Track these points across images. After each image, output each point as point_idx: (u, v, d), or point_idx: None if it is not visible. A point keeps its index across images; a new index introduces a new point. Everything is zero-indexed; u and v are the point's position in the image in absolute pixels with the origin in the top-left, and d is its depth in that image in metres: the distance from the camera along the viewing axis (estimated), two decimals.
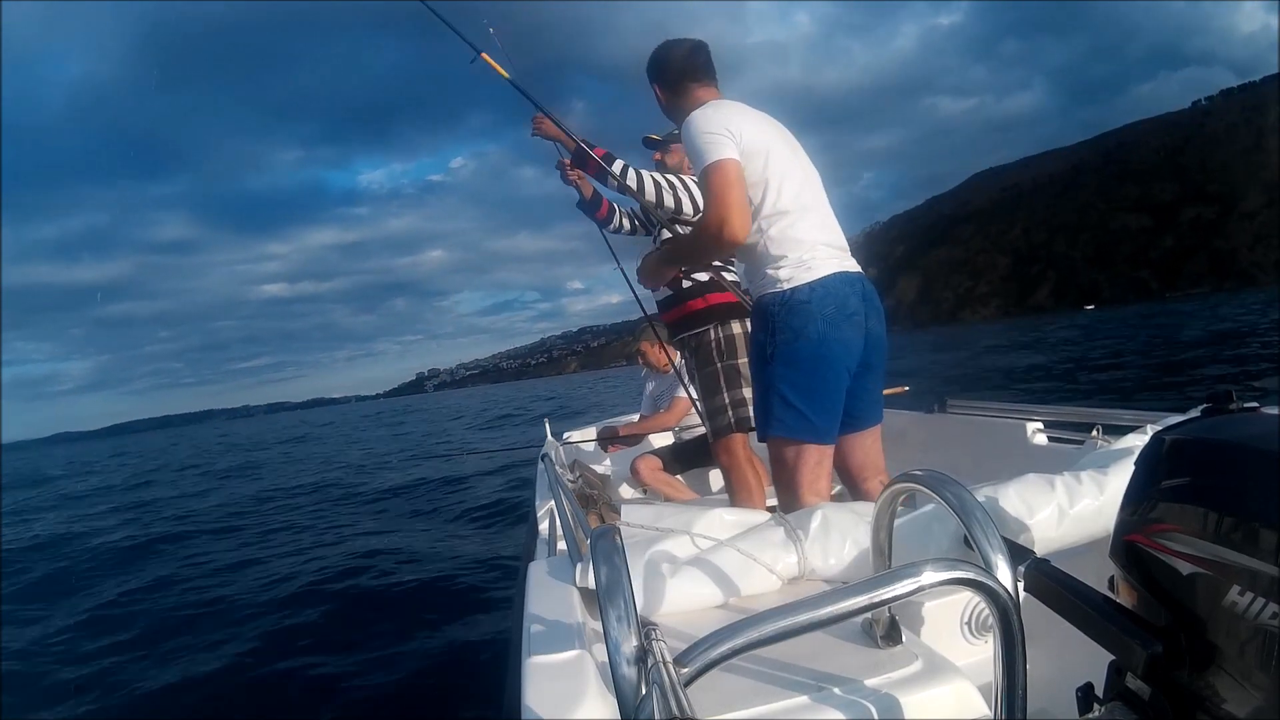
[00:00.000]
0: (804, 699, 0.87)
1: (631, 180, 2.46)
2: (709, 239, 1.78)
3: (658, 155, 2.76)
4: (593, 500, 2.95)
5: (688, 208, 2.53)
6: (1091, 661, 0.84)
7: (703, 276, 2.56)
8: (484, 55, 2.80)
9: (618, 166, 2.46)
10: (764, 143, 1.83)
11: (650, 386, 4.05)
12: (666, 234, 2.63)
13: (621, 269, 3.25)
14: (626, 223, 2.98)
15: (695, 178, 2.67)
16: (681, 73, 2.04)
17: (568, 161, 2.71)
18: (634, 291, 3.07)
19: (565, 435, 4.51)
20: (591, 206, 2.92)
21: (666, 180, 2.52)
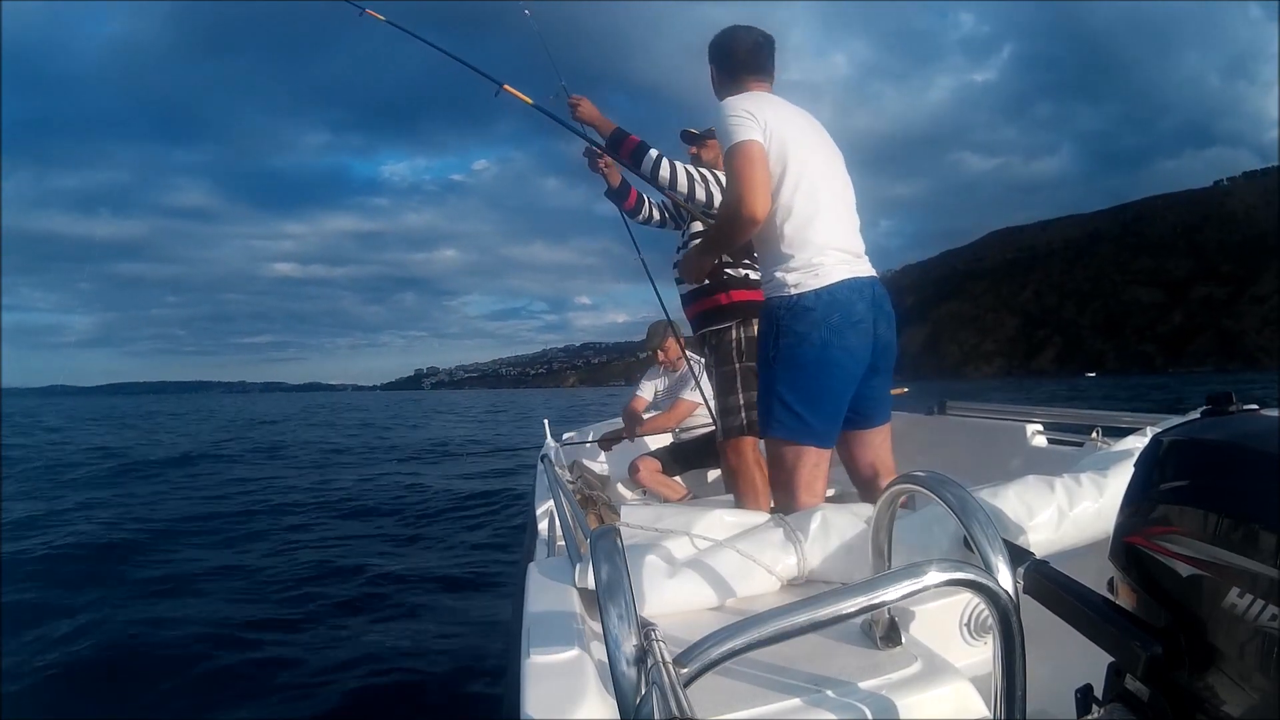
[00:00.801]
0: (803, 700, 0.87)
1: (665, 170, 2.46)
2: (729, 216, 1.80)
3: (693, 150, 2.74)
4: (592, 500, 2.95)
5: (718, 202, 2.53)
6: (1091, 663, 0.85)
7: (738, 271, 2.56)
8: (506, 87, 2.84)
9: (652, 156, 2.46)
10: (789, 136, 1.83)
11: (660, 383, 4.03)
12: (698, 226, 2.63)
13: (642, 259, 3.21)
14: (656, 214, 2.96)
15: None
16: (742, 64, 2.06)
17: (597, 149, 2.70)
18: (654, 287, 3.06)
19: (565, 436, 4.51)
20: (619, 195, 2.90)
21: (699, 173, 2.52)
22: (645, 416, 3.89)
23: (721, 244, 2.08)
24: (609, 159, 2.78)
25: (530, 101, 2.85)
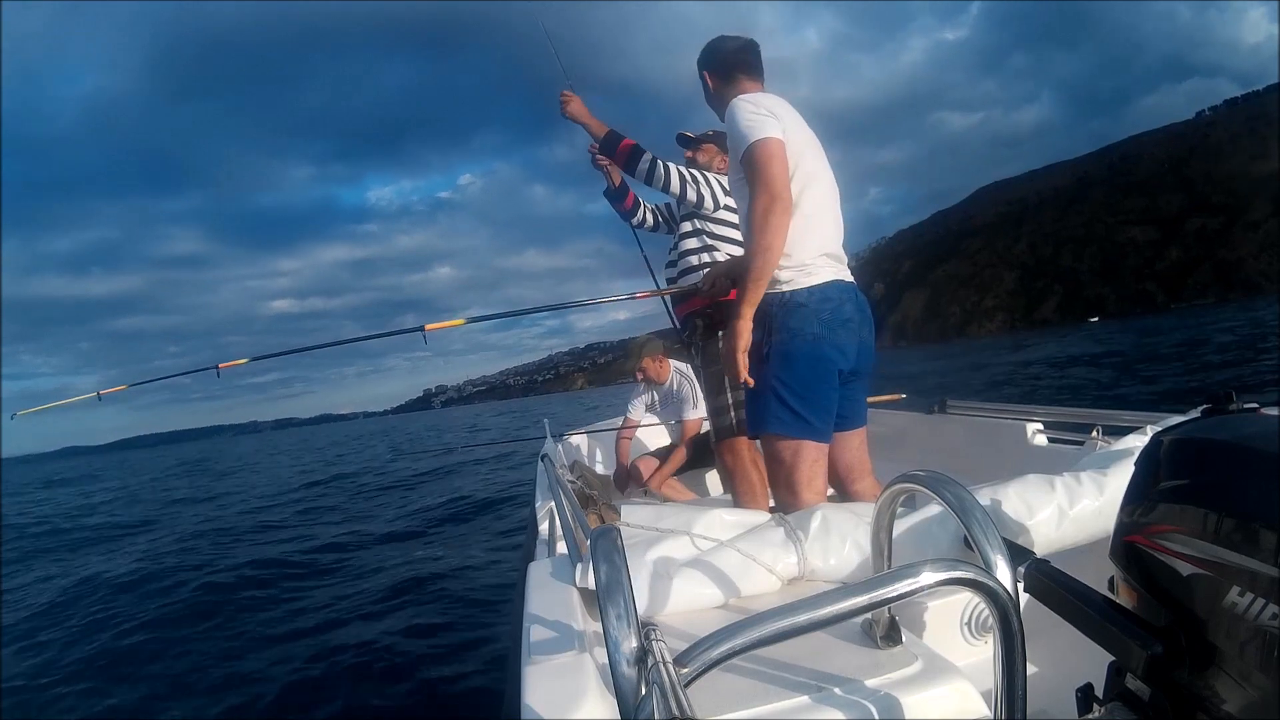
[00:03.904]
0: (804, 699, 0.87)
1: (659, 172, 2.50)
2: (762, 215, 1.73)
3: (689, 153, 2.77)
4: (593, 500, 2.94)
5: (709, 203, 2.56)
6: (1091, 662, 0.84)
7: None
8: (428, 327, 2.94)
9: (646, 159, 2.49)
10: (801, 142, 1.85)
11: (649, 396, 3.97)
12: (687, 226, 2.65)
13: (644, 255, 3.20)
14: (650, 218, 3.00)
15: (724, 174, 2.65)
16: (734, 64, 2.06)
17: (596, 147, 2.72)
18: (663, 289, 3.07)
19: (565, 435, 4.50)
20: (618, 196, 2.93)
21: (691, 174, 2.55)
22: (650, 450, 3.86)
23: (766, 252, 1.81)
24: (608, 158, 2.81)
25: (461, 322, 3.02)
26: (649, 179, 2.51)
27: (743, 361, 1.82)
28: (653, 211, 3.00)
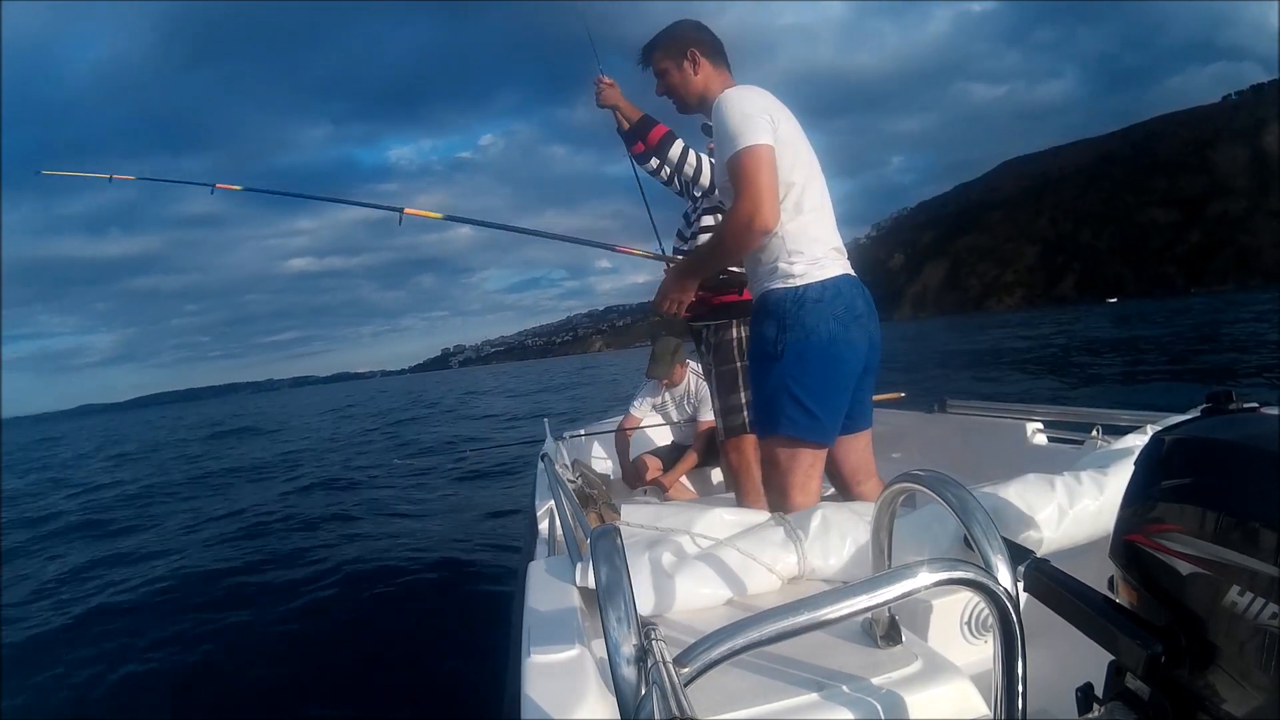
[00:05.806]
0: (804, 698, 0.87)
1: (691, 161, 2.54)
2: (740, 227, 1.67)
3: (711, 144, 2.75)
4: (593, 500, 2.94)
5: (729, 200, 2.55)
6: (1091, 661, 0.85)
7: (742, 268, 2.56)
8: (407, 210, 2.89)
9: (678, 147, 2.52)
10: (793, 133, 1.79)
11: (659, 397, 3.91)
12: (709, 220, 2.64)
13: (652, 221, 3.15)
14: (667, 172, 2.86)
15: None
16: (718, 50, 1.99)
17: (608, 80, 2.68)
18: (659, 241, 3.00)
19: (565, 434, 4.51)
20: (628, 141, 2.78)
21: None
22: (653, 447, 3.84)
23: (724, 255, 1.88)
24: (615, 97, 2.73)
25: (439, 216, 2.99)
26: (679, 167, 2.54)
27: (671, 305, 1.93)
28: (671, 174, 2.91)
